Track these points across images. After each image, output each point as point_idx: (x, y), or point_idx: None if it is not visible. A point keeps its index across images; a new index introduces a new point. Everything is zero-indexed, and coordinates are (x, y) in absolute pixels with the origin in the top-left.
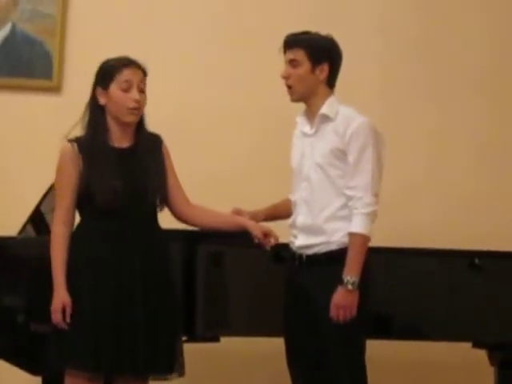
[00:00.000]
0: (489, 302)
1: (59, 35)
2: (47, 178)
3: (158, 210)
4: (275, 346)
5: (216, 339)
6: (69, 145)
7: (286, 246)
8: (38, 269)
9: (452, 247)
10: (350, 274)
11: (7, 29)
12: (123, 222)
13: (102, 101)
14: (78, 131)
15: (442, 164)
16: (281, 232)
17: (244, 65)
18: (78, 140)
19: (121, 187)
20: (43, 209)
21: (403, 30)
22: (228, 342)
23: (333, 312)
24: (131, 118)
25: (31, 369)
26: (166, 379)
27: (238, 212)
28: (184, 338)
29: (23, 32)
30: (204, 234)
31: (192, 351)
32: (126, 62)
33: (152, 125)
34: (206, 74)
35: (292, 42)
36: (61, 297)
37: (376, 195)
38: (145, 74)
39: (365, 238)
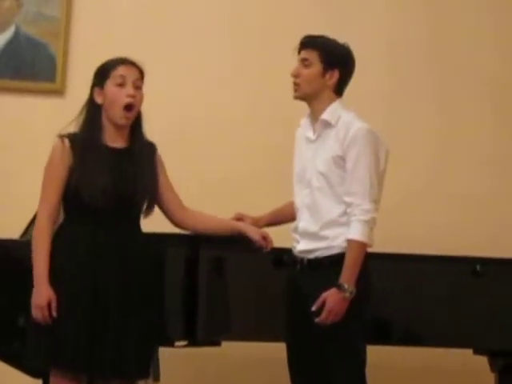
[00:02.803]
0: (490, 308)
1: (63, 38)
2: None
3: (143, 214)
4: (276, 350)
5: (217, 343)
6: (59, 141)
7: (287, 251)
8: None
9: (455, 253)
10: (348, 283)
11: (11, 31)
12: (108, 222)
13: (98, 100)
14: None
15: (446, 168)
16: (283, 236)
17: (250, 68)
18: (70, 136)
19: (110, 187)
20: None
21: (410, 34)
22: (229, 347)
23: (323, 315)
24: (124, 121)
25: (32, 371)
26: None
27: (240, 217)
28: (185, 343)
29: (27, 34)
30: (205, 239)
31: (193, 355)
32: (122, 60)
33: (158, 130)
34: (212, 78)
35: (308, 43)
36: (45, 292)
37: (375, 202)
38: (141, 73)
39: (362, 245)
